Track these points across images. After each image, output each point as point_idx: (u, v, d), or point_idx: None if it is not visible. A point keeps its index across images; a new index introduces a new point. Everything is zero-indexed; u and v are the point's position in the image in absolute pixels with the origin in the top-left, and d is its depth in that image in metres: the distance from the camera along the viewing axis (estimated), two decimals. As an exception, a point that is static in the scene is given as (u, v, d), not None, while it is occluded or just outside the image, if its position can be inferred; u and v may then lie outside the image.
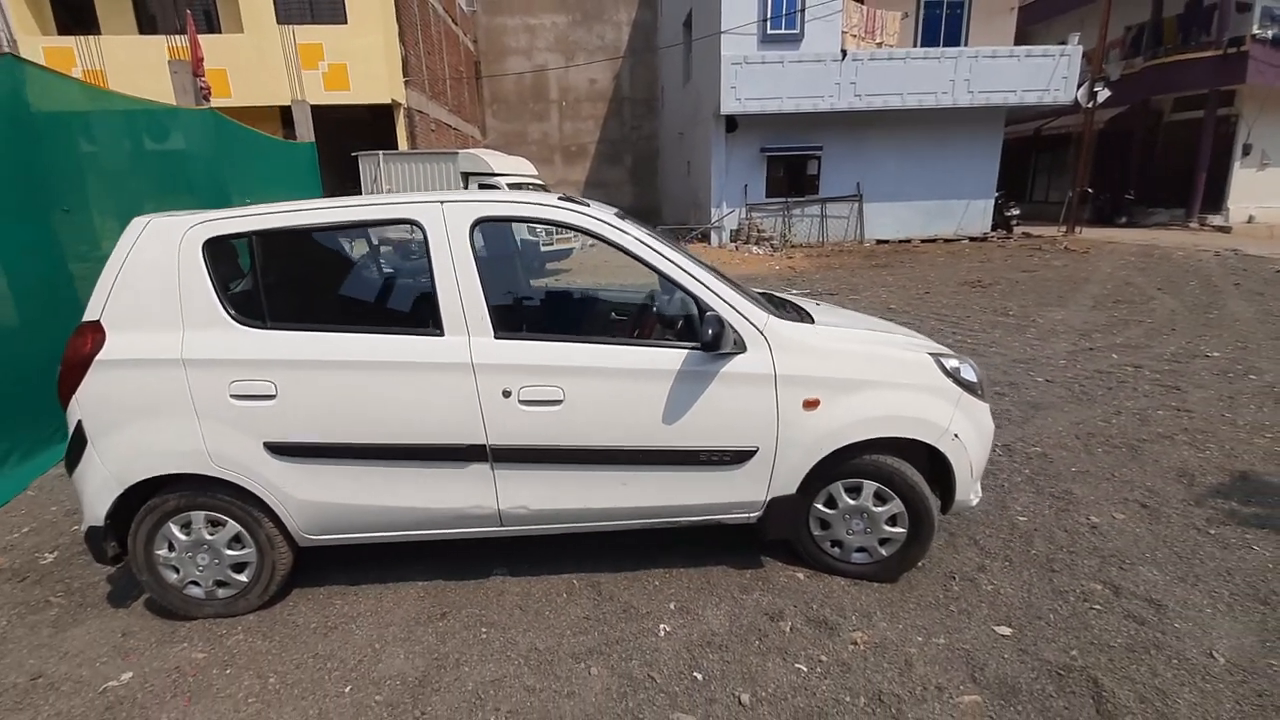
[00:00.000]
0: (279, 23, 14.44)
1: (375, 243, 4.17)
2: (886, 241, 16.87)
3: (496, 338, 2.46)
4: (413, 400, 2.44)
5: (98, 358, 2.38)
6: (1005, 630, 2.47)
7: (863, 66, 15.10)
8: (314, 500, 2.52)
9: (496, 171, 12.02)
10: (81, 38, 14.16)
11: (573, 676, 2.29)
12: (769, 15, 15.24)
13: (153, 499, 2.49)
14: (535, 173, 13.95)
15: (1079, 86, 15.60)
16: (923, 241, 16.72)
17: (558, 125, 29.17)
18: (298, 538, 2.61)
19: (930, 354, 2.73)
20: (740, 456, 2.58)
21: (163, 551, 2.54)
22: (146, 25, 15.29)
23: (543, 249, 11.76)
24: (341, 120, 15.73)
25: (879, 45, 16.23)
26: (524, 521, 2.64)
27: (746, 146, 16.33)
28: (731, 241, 16.68)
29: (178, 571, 2.57)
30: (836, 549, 2.81)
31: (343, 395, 2.42)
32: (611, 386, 2.48)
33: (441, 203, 2.49)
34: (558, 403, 2.46)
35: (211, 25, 14.97)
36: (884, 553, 2.75)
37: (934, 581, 2.79)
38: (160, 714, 2.15)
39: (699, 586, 2.79)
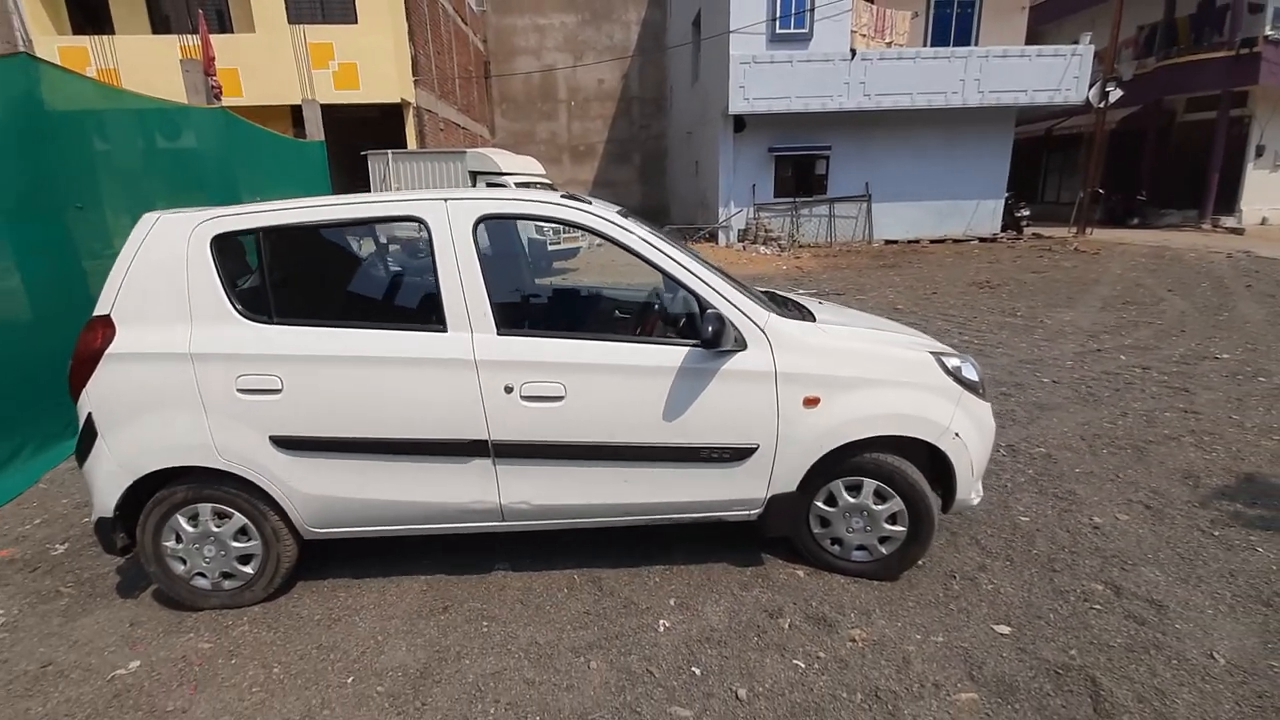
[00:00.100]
0: (290, 22, 14.57)
1: (383, 240, 4.21)
2: (895, 242, 16.80)
3: (499, 334, 2.48)
4: (416, 396, 2.46)
5: (108, 352, 2.42)
6: (1004, 629, 2.47)
7: (872, 66, 15.04)
8: (318, 494, 2.55)
9: (504, 171, 12.06)
10: (96, 37, 14.34)
11: (572, 670, 2.31)
12: (778, 15, 15.22)
13: (161, 491, 2.53)
14: (543, 172, 14.00)
15: (1090, 86, 15.48)
16: (931, 242, 16.64)
17: (566, 125, 29.23)
18: (302, 531, 2.65)
19: (931, 353, 2.73)
20: (740, 454, 2.59)
21: (170, 543, 2.58)
22: (160, 25, 15.46)
23: (550, 248, 11.80)
24: (351, 119, 15.85)
25: (888, 45, 16.17)
26: (525, 517, 2.66)
27: (754, 146, 16.31)
28: (739, 241, 16.66)
29: (185, 563, 2.61)
30: (837, 547, 2.82)
31: (347, 390, 2.45)
32: (612, 383, 2.50)
33: (445, 200, 2.52)
34: (559, 399, 2.48)
35: (224, 25, 15.12)
36: (884, 551, 2.76)
37: (934, 580, 2.79)
38: (167, 702, 2.19)
39: (699, 583, 2.80)
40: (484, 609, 2.66)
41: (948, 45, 16.52)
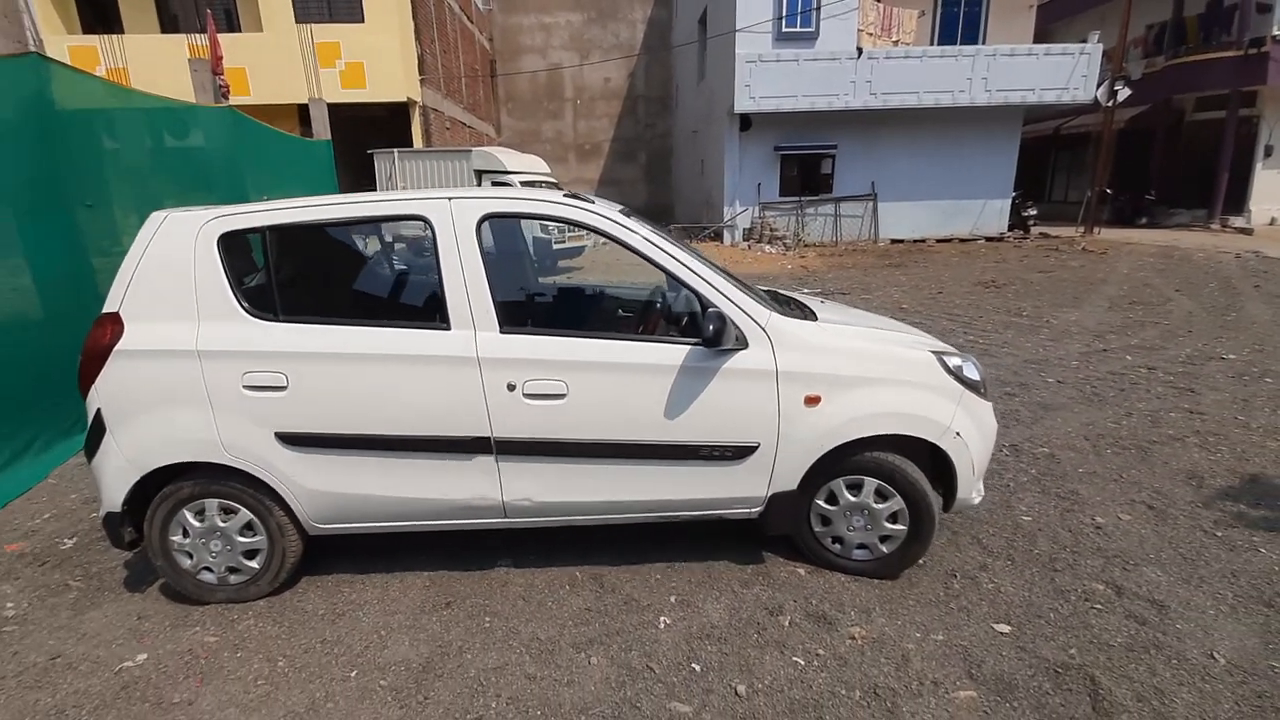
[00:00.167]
0: (297, 22, 14.64)
1: (388, 239, 4.24)
2: (901, 241, 16.76)
3: (502, 332, 2.50)
4: (419, 393, 2.49)
5: (116, 348, 2.45)
6: (1004, 628, 2.48)
7: (878, 65, 15.00)
8: (323, 490, 2.58)
9: (510, 169, 12.08)
10: (105, 37, 14.44)
11: (573, 665, 2.33)
12: (784, 13, 15.20)
13: (168, 486, 2.57)
14: (548, 170, 14.01)
15: (1099, 85, 15.39)
16: (938, 241, 16.59)
17: (572, 123, 29.25)
18: (307, 526, 2.68)
19: (932, 352, 2.73)
20: (741, 452, 2.60)
21: (177, 538, 2.61)
22: (168, 24, 15.55)
23: (555, 246, 11.83)
24: (358, 118, 15.91)
25: (895, 43, 16.12)
26: (527, 513, 2.68)
27: (760, 145, 16.29)
28: (744, 240, 16.65)
29: (191, 557, 2.65)
30: (837, 545, 2.83)
31: (351, 387, 2.48)
32: (614, 381, 2.51)
33: (449, 199, 2.54)
34: (561, 397, 2.50)
35: (231, 24, 15.20)
36: (885, 550, 2.77)
37: (935, 579, 2.80)
38: (173, 694, 2.22)
39: (700, 580, 2.82)
40: (486, 604, 2.68)
41: (955, 44, 16.46)
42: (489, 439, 2.53)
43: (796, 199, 16.68)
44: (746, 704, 2.13)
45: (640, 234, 2.59)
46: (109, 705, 2.17)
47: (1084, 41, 15.47)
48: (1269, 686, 2.19)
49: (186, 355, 2.45)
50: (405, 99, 15.65)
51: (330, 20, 14.98)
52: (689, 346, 2.53)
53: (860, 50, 14.96)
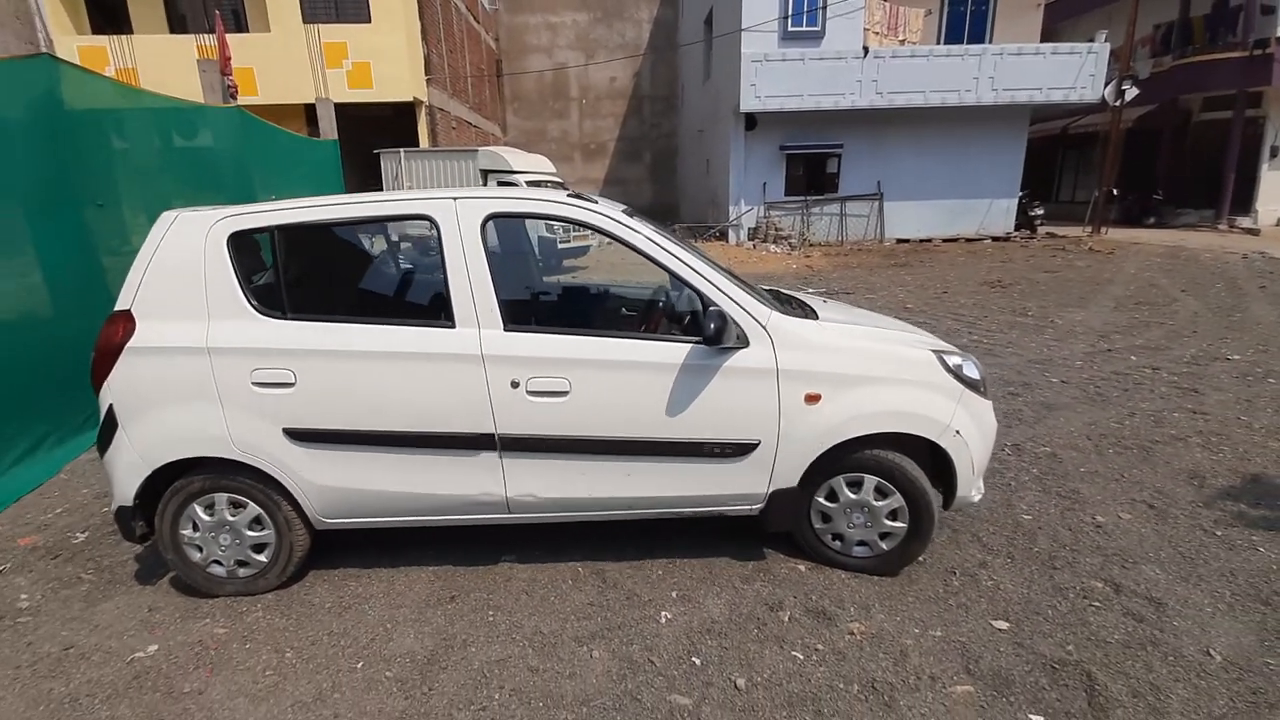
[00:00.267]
0: (305, 22, 14.74)
1: (394, 238, 4.28)
2: (907, 241, 16.73)
3: (506, 330, 2.54)
4: (424, 390, 2.53)
5: (128, 345, 2.50)
6: (1002, 624, 2.50)
7: (885, 64, 14.97)
8: (330, 485, 2.62)
9: (515, 169, 12.12)
10: (114, 37, 14.56)
11: (575, 659, 2.36)
12: (790, 12, 15.19)
13: (178, 481, 2.61)
14: (554, 170, 14.02)
15: (1106, 85, 15.33)
16: (944, 241, 16.56)
17: (578, 123, 29.30)
18: (314, 521, 2.72)
19: (933, 351, 2.76)
20: (742, 449, 2.63)
21: (187, 531, 2.66)
22: (177, 25, 15.67)
23: (560, 246, 11.87)
24: (364, 118, 15.99)
25: (901, 42, 16.08)
26: (531, 509, 2.72)
27: (766, 144, 16.29)
28: (749, 240, 16.65)
29: (201, 551, 2.69)
30: (837, 542, 2.85)
31: (358, 384, 2.52)
32: (616, 378, 2.55)
33: (455, 199, 2.58)
34: (564, 394, 2.53)
35: (239, 24, 15.31)
36: (884, 547, 2.79)
37: (934, 576, 2.82)
38: (184, 684, 2.27)
39: (701, 576, 2.85)
40: (490, 599, 2.72)
41: (961, 43, 16.42)
42: (493, 435, 2.56)
43: (802, 198, 16.67)
44: (746, 697, 2.16)
45: (643, 233, 2.62)
46: (121, 694, 2.22)
47: (1091, 41, 15.40)
48: (1264, 683, 2.20)
49: (197, 352, 2.49)
50: (411, 99, 15.72)
51: (337, 20, 15.06)
52: (691, 345, 2.56)
53: (866, 49, 14.94)
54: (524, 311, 3.57)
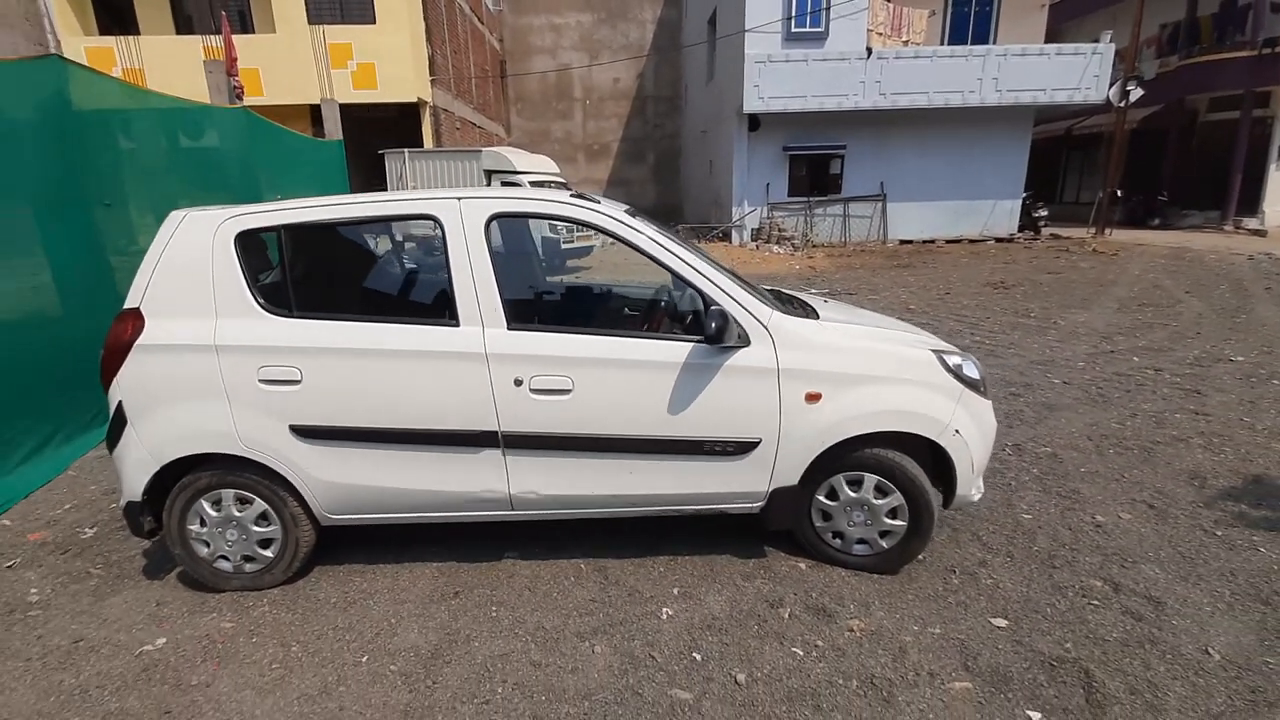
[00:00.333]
0: (310, 23, 14.80)
1: (399, 238, 4.32)
2: (910, 242, 16.73)
3: (509, 329, 2.57)
4: (429, 387, 2.55)
5: (137, 343, 2.53)
6: (1001, 622, 2.51)
7: (888, 65, 14.98)
8: (335, 481, 2.65)
9: (519, 169, 12.17)
10: (121, 38, 14.65)
11: (577, 654, 2.39)
12: (793, 13, 15.21)
13: (186, 477, 2.65)
14: (557, 170, 14.10)
15: (1111, 85, 15.30)
16: (947, 242, 16.56)
17: (581, 124, 29.36)
18: (320, 517, 2.75)
19: (933, 350, 2.77)
20: (743, 447, 2.65)
21: (195, 526, 2.70)
22: (183, 26, 15.77)
23: (563, 246, 11.90)
24: (369, 119, 16.07)
25: (905, 43, 16.09)
26: (534, 506, 2.75)
27: (769, 145, 16.31)
28: (752, 240, 16.67)
29: (208, 546, 2.73)
30: (838, 540, 2.87)
31: (363, 381, 2.55)
32: (619, 377, 2.57)
33: (459, 199, 2.61)
34: (567, 392, 2.56)
35: (245, 25, 15.38)
36: (884, 545, 2.81)
37: (934, 574, 2.84)
38: (191, 676, 2.30)
39: (702, 573, 2.87)
40: (493, 595, 2.75)
41: (965, 44, 16.42)
42: (496, 433, 2.59)
43: (805, 199, 16.68)
44: (746, 692, 2.19)
45: (645, 234, 2.65)
46: (130, 686, 2.26)
47: (1096, 41, 15.39)
48: (1263, 682, 2.21)
49: (205, 350, 2.53)
50: (416, 99, 15.79)
51: (342, 21, 15.14)
52: (692, 344, 2.58)
53: (870, 50, 14.95)
54: (527, 310, 3.60)
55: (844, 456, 2.70)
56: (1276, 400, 4.92)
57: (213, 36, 13.98)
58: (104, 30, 15.34)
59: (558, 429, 2.60)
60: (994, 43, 16.64)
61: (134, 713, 2.15)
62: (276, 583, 2.80)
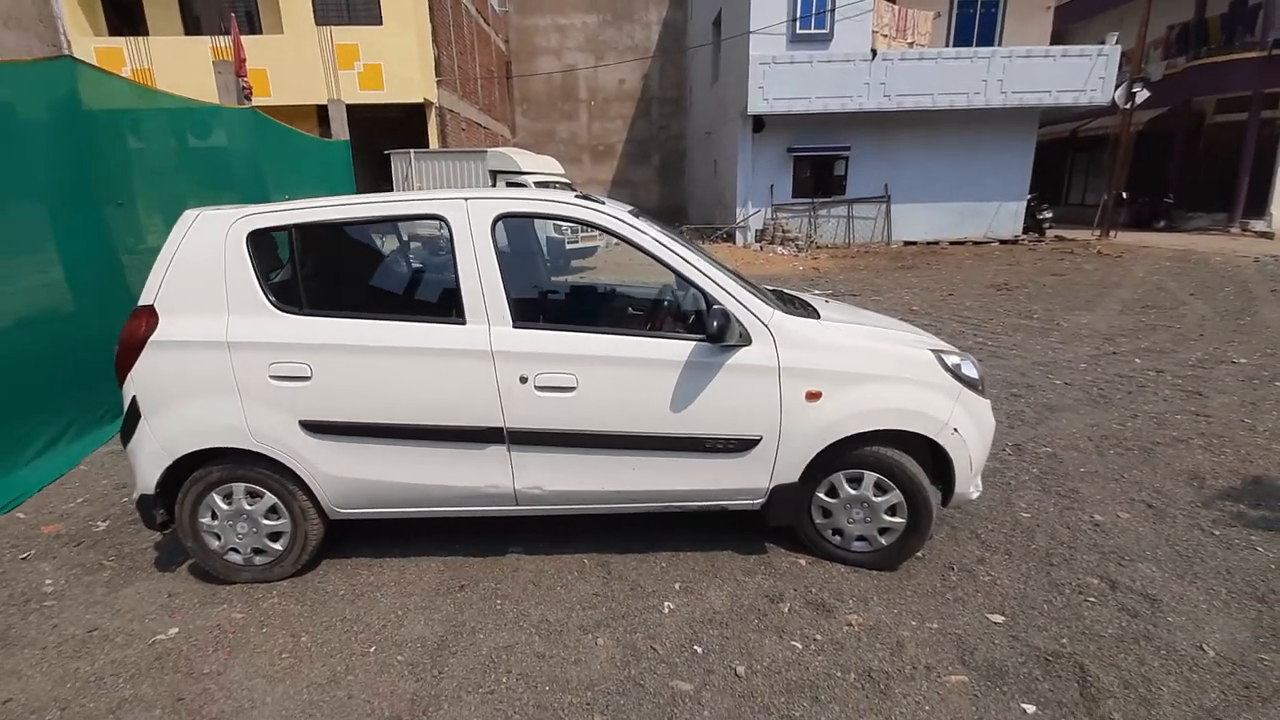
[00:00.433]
0: (317, 24, 14.90)
1: (405, 238, 4.38)
2: (914, 243, 16.74)
3: (515, 327, 2.61)
4: (436, 384, 2.60)
5: (151, 339, 2.59)
6: (998, 618, 2.55)
7: (893, 66, 15.01)
8: (343, 476, 2.70)
9: (524, 170, 12.23)
10: (131, 38, 14.78)
11: (580, 646, 2.43)
12: (798, 15, 15.25)
13: (198, 471, 2.70)
14: (562, 171, 14.16)
15: (1117, 87, 15.29)
16: (951, 244, 16.56)
17: (586, 124, 29.43)
18: (328, 511, 2.80)
19: (931, 350, 2.81)
20: (744, 445, 2.69)
21: (206, 519, 2.75)
22: (191, 27, 15.88)
23: (568, 246, 11.97)
24: (375, 119, 16.15)
25: (910, 45, 16.11)
26: (538, 501, 2.79)
27: (773, 146, 16.34)
28: (756, 241, 16.70)
29: (219, 538, 2.78)
30: (837, 537, 2.91)
31: (371, 378, 2.60)
32: (622, 374, 2.62)
33: (466, 199, 2.66)
34: (571, 389, 2.60)
35: (253, 26, 15.50)
36: (883, 542, 2.85)
37: (932, 571, 2.88)
38: (204, 665, 2.35)
39: (704, 569, 2.91)
40: (498, 588, 2.79)
41: (970, 45, 16.42)
42: (502, 429, 2.64)
43: (809, 200, 16.71)
44: (745, 683, 2.23)
45: (649, 234, 2.69)
46: (144, 674, 2.31)
47: (1102, 43, 15.37)
48: (1257, 678, 2.24)
49: (217, 346, 2.58)
50: (422, 100, 15.87)
51: (349, 22, 15.24)
52: (694, 342, 2.62)
53: (874, 52, 14.97)
54: (532, 309, 3.64)
55: (844, 454, 2.74)
56: (1278, 402, 4.93)
57: (221, 37, 14.09)
58: (113, 31, 15.47)
59: (562, 425, 2.64)
60: (999, 44, 16.64)
61: (148, 699, 2.20)
62: (285, 575, 2.86)
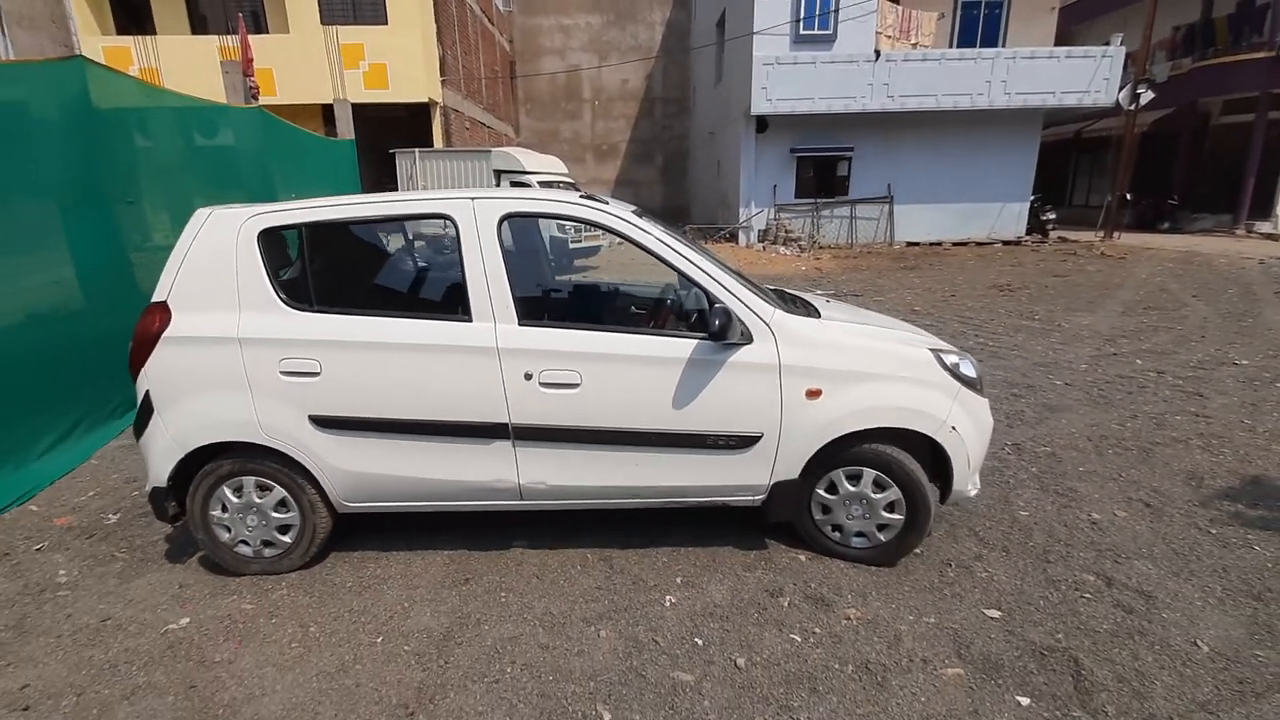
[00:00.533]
0: (322, 23, 14.98)
1: (409, 237, 4.43)
2: (917, 244, 16.76)
3: (520, 324, 2.66)
4: (442, 380, 2.65)
5: (164, 335, 2.64)
6: (994, 613, 2.59)
7: (896, 67, 15.03)
8: (352, 470, 2.75)
9: (528, 169, 12.29)
10: (138, 37, 14.87)
11: (583, 638, 2.48)
12: (802, 16, 15.28)
13: (209, 464, 2.76)
14: (566, 171, 14.21)
15: (1121, 88, 15.28)
16: (954, 244, 16.57)
17: (590, 124, 29.48)
18: (336, 504, 2.86)
19: (930, 349, 2.85)
20: (745, 441, 2.73)
21: (217, 512, 2.81)
22: (198, 26, 15.98)
23: (571, 246, 12.01)
24: (380, 118, 16.22)
25: (914, 46, 16.12)
26: (542, 496, 2.84)
27: (776, 147, 16.38)
28: (759, 241, 16.74)
29: (230, 531, 2.84)
30: (837, 533, 2.95)
31: (379, 374, 2.65)
32: (625, 372, 2.66)
33: (472, 199, 2.71)
34: (575, 386, 2.65)
35: (259, 26, 15.58)
36: (882, 538, 2.89)
37: (930, 567, 2.91)
38: (215, 654, 2.41)
39: (705, 564, 2.96)
40: (502, 581, 2.84)
41: (974, 46, 16.43)
42: (507, 425, 2.68)
43: (812, 201, 16.74)
44: (745, 675, 2.27)
45: (652, 234, 2.74)
46: (157, 662, 2.37)
47: (1107, 44, 15.36)
48: (1251, 674, 2.28)
49: (228, 342, 2.64)
50: (426, 99, 15.93)
51: (355, 22, 15.31)
52: (697, 340, 2.67)
53: (878, 53, 15.00)
54: (537, 307, 3.69)
55: (843, 451, 2.78)
56: (1278, 404, 4.95)
57: (228, 36, 14.17)
58: (121, 30, 15.56)
59: (566, 422, 2.69)
60: (1003, 45, 16.64)
61: (161, 686, 2.25)
62: (294, 567, 2.91)
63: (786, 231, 16.43)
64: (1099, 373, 5.81)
